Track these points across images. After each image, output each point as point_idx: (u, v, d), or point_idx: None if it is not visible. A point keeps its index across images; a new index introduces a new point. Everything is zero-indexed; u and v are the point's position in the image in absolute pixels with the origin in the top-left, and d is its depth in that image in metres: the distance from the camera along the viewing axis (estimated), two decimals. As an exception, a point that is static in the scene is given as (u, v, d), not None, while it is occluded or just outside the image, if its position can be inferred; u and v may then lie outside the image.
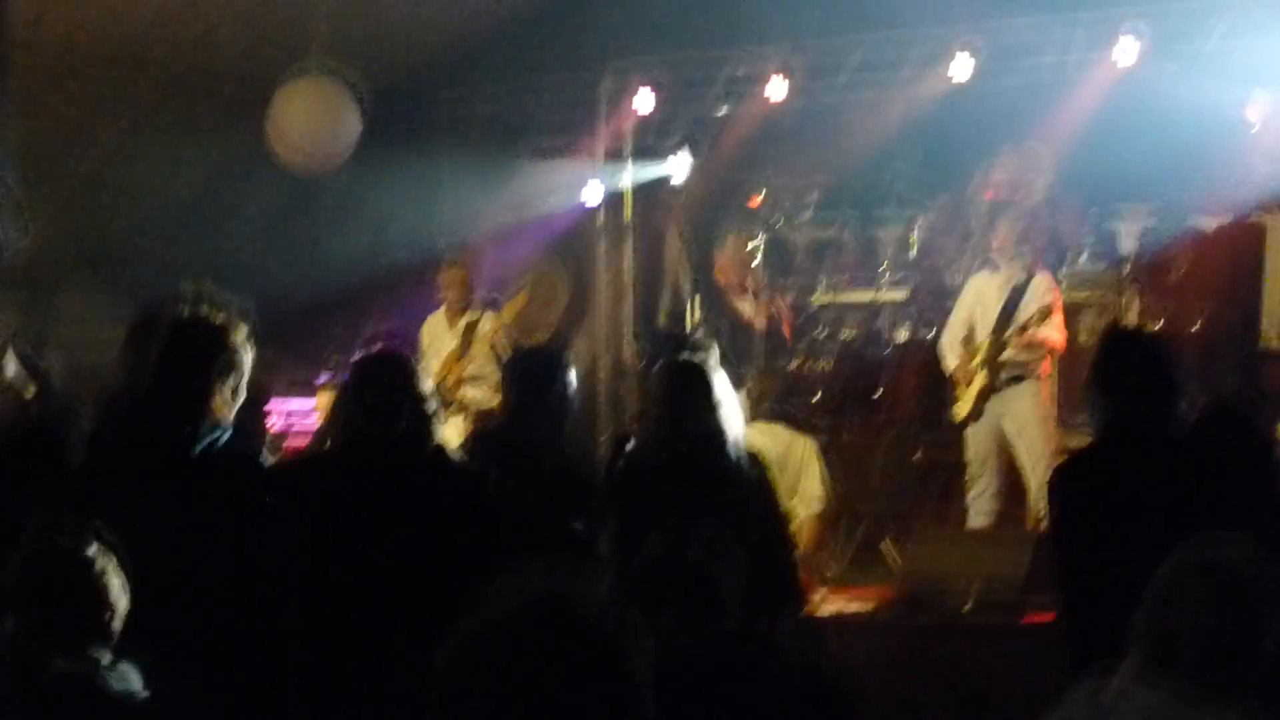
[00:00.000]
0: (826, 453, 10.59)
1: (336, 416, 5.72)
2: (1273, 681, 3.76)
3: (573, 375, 6.62)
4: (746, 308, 10.93)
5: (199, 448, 5.09)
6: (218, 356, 5.21)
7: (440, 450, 5.61)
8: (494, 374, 11.27)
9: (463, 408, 11.37)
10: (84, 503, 4.92)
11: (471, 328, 11.92)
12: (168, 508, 5.00)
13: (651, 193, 13.97)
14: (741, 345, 10.72)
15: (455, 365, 11.73)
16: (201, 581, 4.94)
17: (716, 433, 6.09)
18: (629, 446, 6.61)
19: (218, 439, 5.15)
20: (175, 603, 4.74)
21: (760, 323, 10.90)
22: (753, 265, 10.97)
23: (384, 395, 5.52)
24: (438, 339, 12.08)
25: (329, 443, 5.73)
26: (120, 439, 5.24)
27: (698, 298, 13.77)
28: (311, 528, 5.29)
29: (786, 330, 11.23)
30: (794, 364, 12.06)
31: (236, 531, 5.04)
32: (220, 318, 5.26)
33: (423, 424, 5.54)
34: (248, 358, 5.30)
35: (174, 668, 4.28)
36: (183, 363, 5.21)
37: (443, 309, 12.21)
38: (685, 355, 6.87)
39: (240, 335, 5.27)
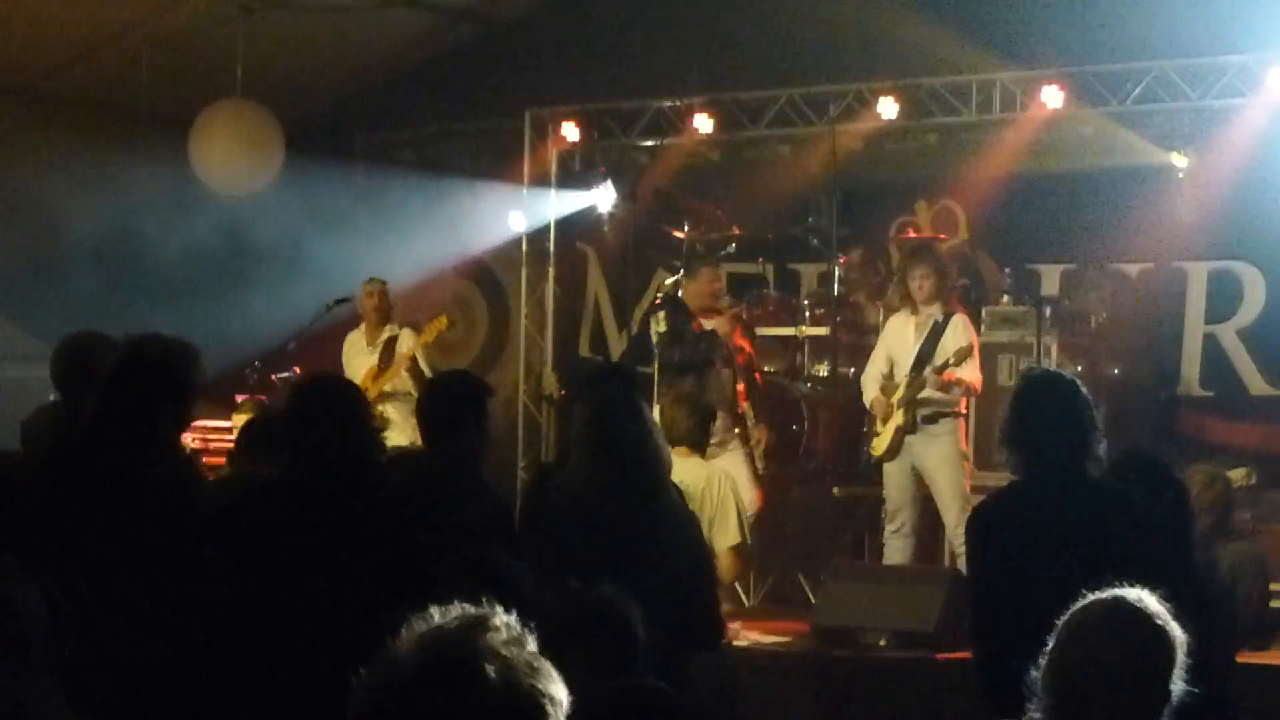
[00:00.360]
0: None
1: (276, 443, 5.67)
2: None
3: (490, 405, 6.59)
4: (722, 325, 10.91)
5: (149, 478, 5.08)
6: (171, 384, 5.22)
7: (380, 481, 5.57)
8: (411, 391, 11.40)
9: (381, 423, 11.37)
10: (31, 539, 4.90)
11: (391, 344, 12.04)
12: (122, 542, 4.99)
13: (574, 223, 14.05)
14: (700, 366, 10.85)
15: (373, 382, 11.77)
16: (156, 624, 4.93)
17: (646, 464, 6.07)
18: (550, 477, 6.54)
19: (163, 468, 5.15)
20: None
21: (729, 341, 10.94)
22: (722, 294, 11.07)
23: (336, 423, 5.43)
24: (357, 355, 12.16)
25: (281, 470, 5.63)
26: (68, 470, 5.21)
27: (624, 328, 13.84)
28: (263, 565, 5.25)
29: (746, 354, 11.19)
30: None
31: (183, 571, 5.02)
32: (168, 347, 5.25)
33: (372, 451, 5.52)
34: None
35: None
36: (134, 390, 5.20)
37: (362, 326, 12.26)
38: (615, 385, 6.82)
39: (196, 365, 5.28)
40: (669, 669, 5.78)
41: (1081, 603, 3.77)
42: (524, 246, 13.97)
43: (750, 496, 10.22)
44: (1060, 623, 3.76)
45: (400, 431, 10.71)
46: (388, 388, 11.85)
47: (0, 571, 4.13)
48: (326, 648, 4.86)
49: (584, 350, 14.42)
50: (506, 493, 6.83)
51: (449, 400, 6.49)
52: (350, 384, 6.11)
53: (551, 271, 14.01)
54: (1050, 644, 3.74)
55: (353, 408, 5.57)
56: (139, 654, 4.90)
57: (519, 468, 13.30)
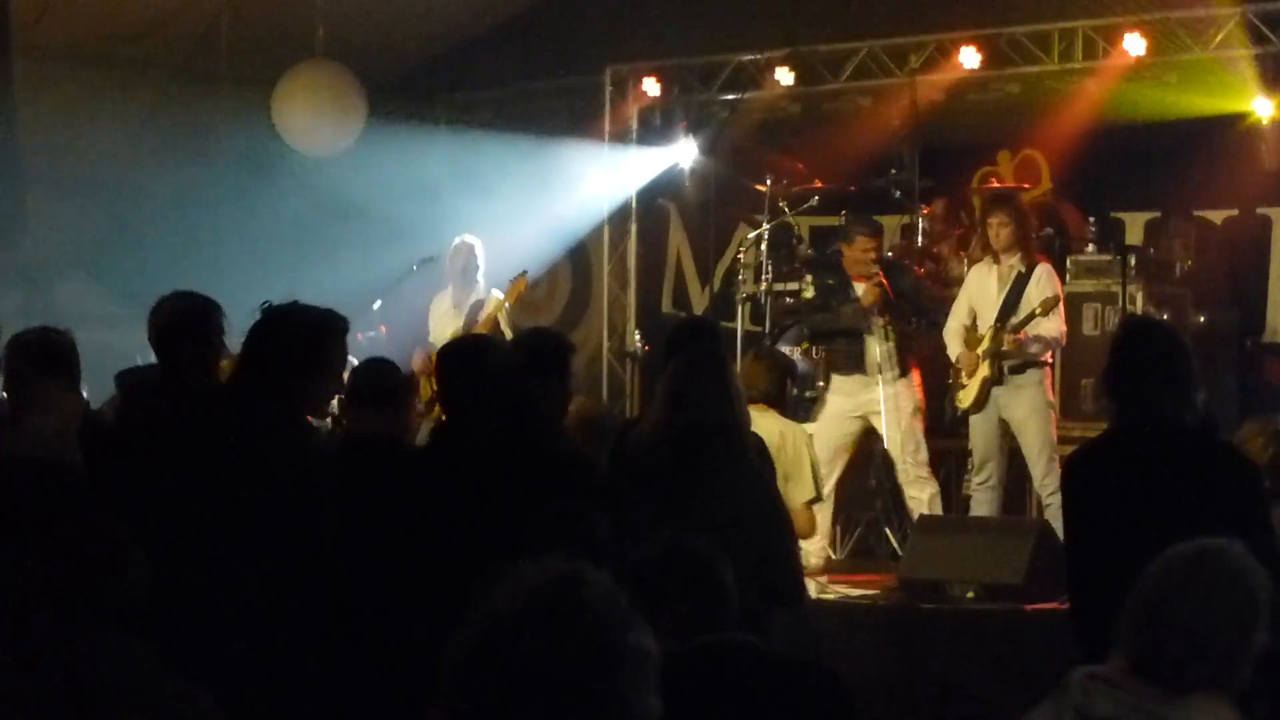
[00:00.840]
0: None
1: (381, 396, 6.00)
2: (1264, 683, 3.75)
3: (572, 362, 6.67)
4: (866, 293, 10.92)
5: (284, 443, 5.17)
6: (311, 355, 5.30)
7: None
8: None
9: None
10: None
11: (477, 307, 12.00)
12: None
13: (656, 179, 14.03)
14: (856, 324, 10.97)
15: None
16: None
17: (721, 420, 6.06)
18: (634, 431, 6.56)
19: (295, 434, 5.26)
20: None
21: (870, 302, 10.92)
22: (873, 259, 10.98)
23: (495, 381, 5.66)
24: (443, 317, 12.16)
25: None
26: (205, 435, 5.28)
27: (706, 284, 13.85)
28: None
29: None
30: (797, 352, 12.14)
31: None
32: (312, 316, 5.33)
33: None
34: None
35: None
36: (276, 358, 5.25)
37: (449, 288, 12.28)
38: (695, 341, 6.91)
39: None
40: (751, 625, 5.87)
41: (1167, 552, 3.78)
42: (606, 203, 13.95)
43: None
44: (1146, 571, 3.77)
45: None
46: None
47: (112, 536, 4.21)
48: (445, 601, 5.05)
49: (666, 307, 14.46)
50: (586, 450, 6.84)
51: (532, 357, 6.52)
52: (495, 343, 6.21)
53: (634, 228, 14.02)
54: (1135, 591, 3.75)
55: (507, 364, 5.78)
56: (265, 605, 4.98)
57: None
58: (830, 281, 11.27)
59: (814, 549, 10.08)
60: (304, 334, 5.26)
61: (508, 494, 5.46)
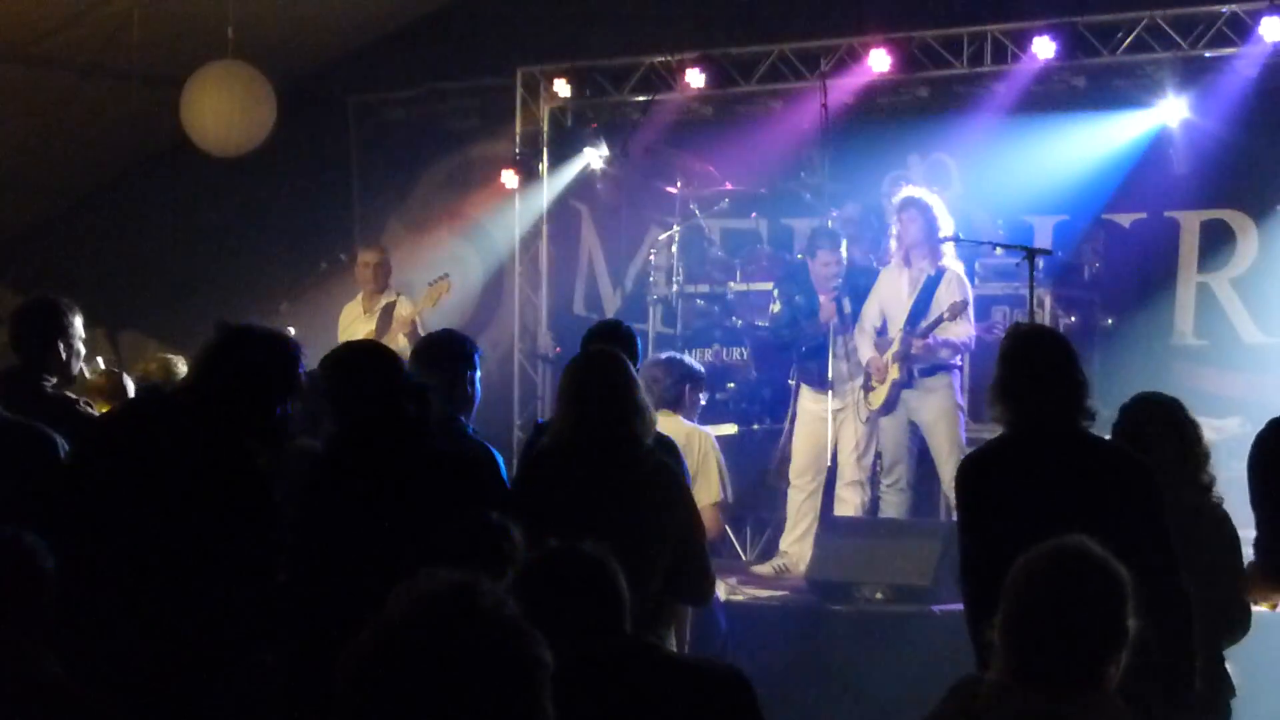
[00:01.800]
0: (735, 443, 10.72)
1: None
2: (1145, 681, 3.85)
3: (480, 363, 6.70)
4: (823, 308, 10.99)
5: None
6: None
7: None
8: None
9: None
10: None
11: (389, 310, 11.98)
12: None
13: (568, 182, 14.01)
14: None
15: None
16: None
17: (624, 419, 6.08)
18: (538, 435, 6.64)
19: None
20: None
21: (826, 318, 11.03)
22: (834, 274, 11.02)
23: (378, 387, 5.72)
24: (354, 323, 12.10)
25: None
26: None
27: (618, 286, 13.82)
28: None
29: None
30: (708, 353, 12.21)
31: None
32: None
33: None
34: None
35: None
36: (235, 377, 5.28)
37: (359, 295, 12.23)
38: (603, 341, 6.96)
39: None
40: (657, 624, 5.87)
41: (1023, 558, 3.82)
42: (517, 205, 13.91)
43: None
44: (1008, 579, 3.81)
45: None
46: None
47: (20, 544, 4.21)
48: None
49: (579, 308, 14.43)
50: (503, 452, 6.87)
51: (434, 359, 6.55)
52: (384, 347, 6.19)
53: (545, 230, 13.99)
54: (1003, 600, 3.80)
55: (390, 369, 5.77)
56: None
57: (515, 426, 13.31)
58: (797, 298, 11.29)
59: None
60: (258, 356, 5.27)
61: (405, 499, 5.49)
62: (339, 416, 5.76)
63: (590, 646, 4.06)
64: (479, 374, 6.76)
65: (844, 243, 11.18)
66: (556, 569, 4.23)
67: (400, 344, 11.74)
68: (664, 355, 8.99)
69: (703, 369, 9.21)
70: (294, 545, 5.39)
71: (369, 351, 6.09)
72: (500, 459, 6.54)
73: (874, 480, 11.17)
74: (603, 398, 6.07)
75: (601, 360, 6.29)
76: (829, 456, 11.09)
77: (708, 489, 8.20)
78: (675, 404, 8.54)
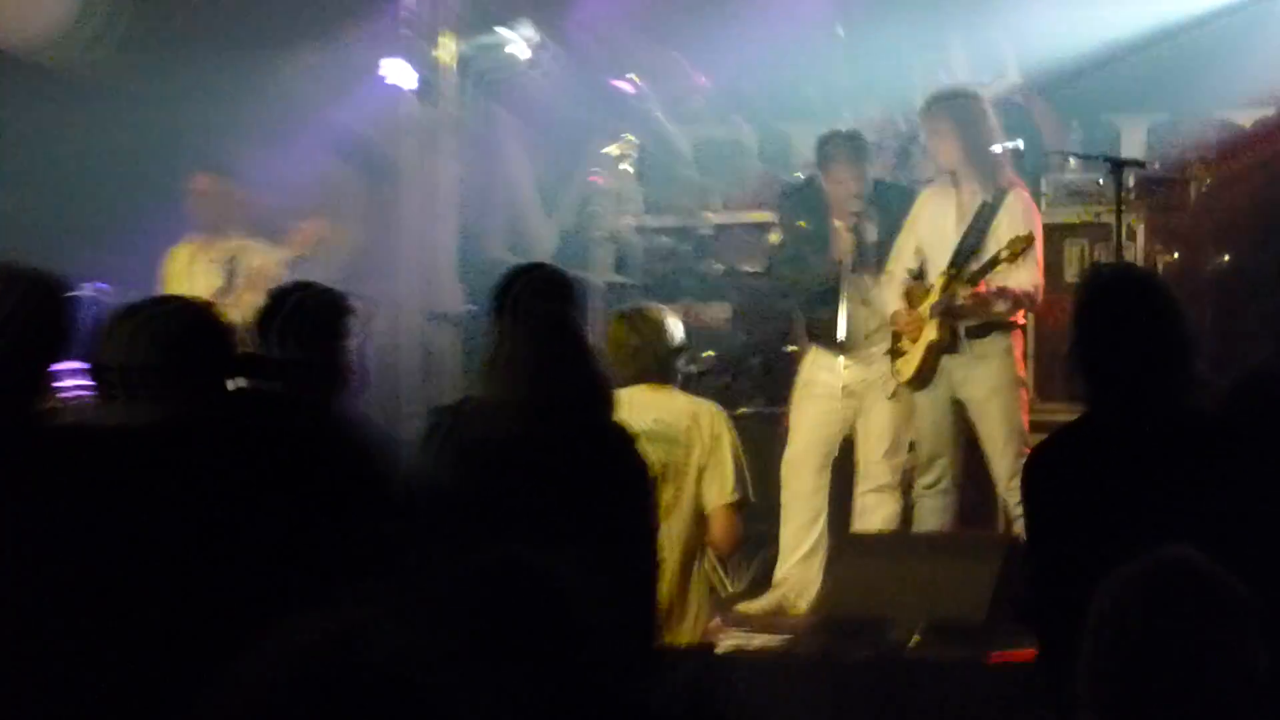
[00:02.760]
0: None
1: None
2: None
3: (354, 326, 6.69)
4: (837, 240, 11.14)
5: None
6: None
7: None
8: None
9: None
10: None
11: (236, 259, 12.11)
12: None
13: (482, 76, 14.02)
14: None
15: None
16: None
17: (572, 400, 6.25)
18: (457, 420, 6.65)
19: None
20: None
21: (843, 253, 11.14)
22: (854, 194, 11.11)
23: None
24: (188, 273, 12.18)
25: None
26: None
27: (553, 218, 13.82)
28: None
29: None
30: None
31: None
32: None
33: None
34: None
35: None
36: None
37: (189, 239, 12.32)
38: (541, 299, 7.04)
39: None
40: (624, 670, 5.92)
41: (1111, 583, 3.85)
42: (410, 107, 13.86)
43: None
44: (1094, 609, 3.84)
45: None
46: (237, 315, 11.83)
47: None
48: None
49: (499, 251, 14.38)
50: (389, 442, 6.89)
51: (297, 320, 6.58)
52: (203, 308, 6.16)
53: (452, 144, 13.96)
54: (1089, 637, 3.81)
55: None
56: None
57: (412, 410, 13.28)
58: (803, 224, 11.40)
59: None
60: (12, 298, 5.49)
61: (278, 491, 5.58)
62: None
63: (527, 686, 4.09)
64: (360, 343, 6.74)
65: (869, 151, 11.26)
66: (494, 583, 4.25)
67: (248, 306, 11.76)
68: (641, 305, 8.99)
69: (680, 328, 9.24)
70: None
71: (181, 316, 5.95)
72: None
73: (906, 481, 11.22)
74: (543, 370, 6.21)
75: (555, 326, 6.43)
76: (837, 447, 11.22)
77: (720, 485, 8.24)
78: (665, 373, 8.56)
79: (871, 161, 11.32)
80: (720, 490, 8.22)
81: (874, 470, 11.14)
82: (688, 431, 8.10)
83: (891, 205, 11.22)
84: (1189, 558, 3.80)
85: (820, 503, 11.22)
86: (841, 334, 11.02)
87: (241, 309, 11.74)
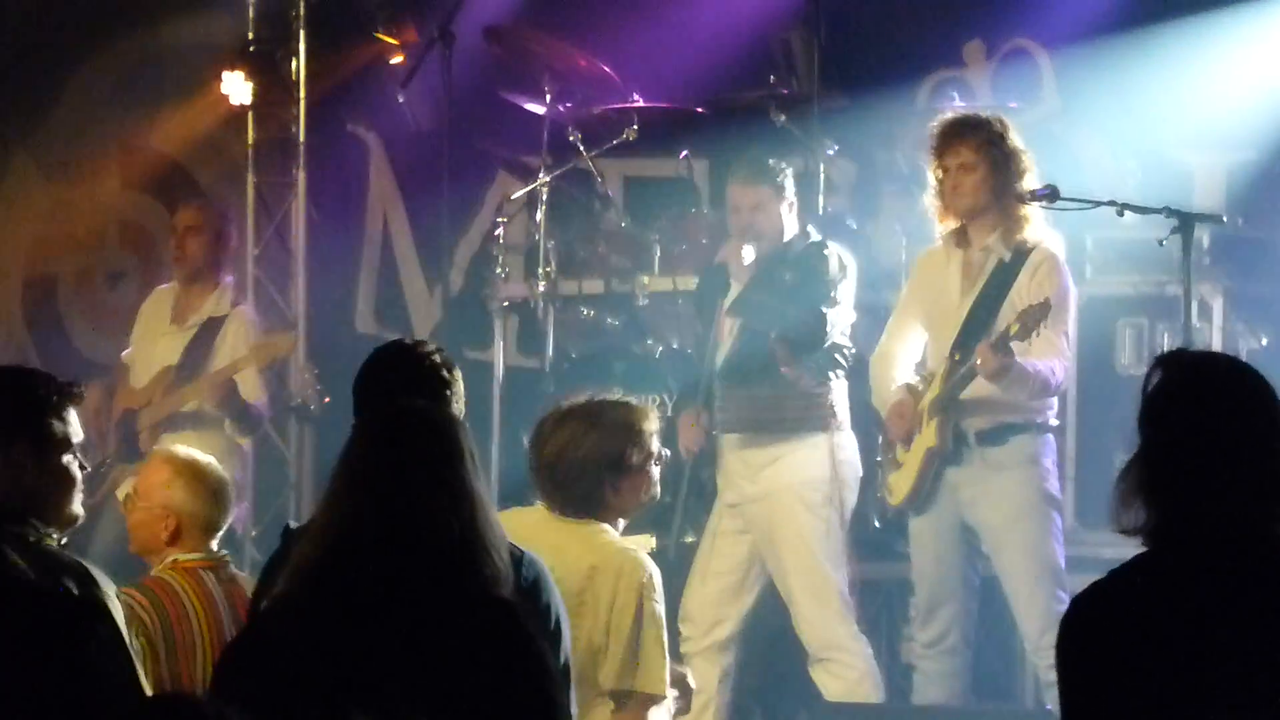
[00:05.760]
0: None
1: None
2: None
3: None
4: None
5: None
6: None
7: None
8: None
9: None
10: None
11: (213, 327, 12.62)
12: None
13: (346, 91, 14.54)
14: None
15: (166, 393, 12.53)
16: None
17: (445, 535, 6.09)
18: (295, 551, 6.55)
19: None
20: None
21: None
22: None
23: None
24: (155, 336, 12.84)
25: None
26: None
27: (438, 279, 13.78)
28: None
29: None
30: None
31: None
32: None
33: None
34: None
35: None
36: None
37: (167, 288, 12.97)
38: (400, 392, 7.03)
39: None
40: None
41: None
42: (250, 131, 14.05)
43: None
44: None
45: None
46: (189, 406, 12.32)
47: None
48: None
49: (364, 322, 14.43)
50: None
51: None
52: None
53: (301, 178, 14.05)
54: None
55: None
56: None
57: (250, 535, 13.37)
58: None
59: None
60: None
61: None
62: None
63: None
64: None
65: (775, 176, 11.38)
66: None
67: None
68: (581, 401, 8.83)
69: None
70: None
71: None
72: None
73: (890, 628, 11.54)
74: (401, 491, 6.08)
75: (418, 428, 6.29)
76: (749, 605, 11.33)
77: (643, 669, 8.17)
78: (591, 503, 8.45)
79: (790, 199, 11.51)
80: (641, 676, 8.18)
81: (814, 620, 11.20)
82: (580, 594, 7.78)
83: (877, 272, 11.30)
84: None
85: (726, 661, 11.29)
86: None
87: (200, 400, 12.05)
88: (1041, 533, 10.61)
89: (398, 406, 6.59)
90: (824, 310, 11.10)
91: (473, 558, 6.11)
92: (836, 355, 11.34)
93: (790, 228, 11.36)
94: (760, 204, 11.21)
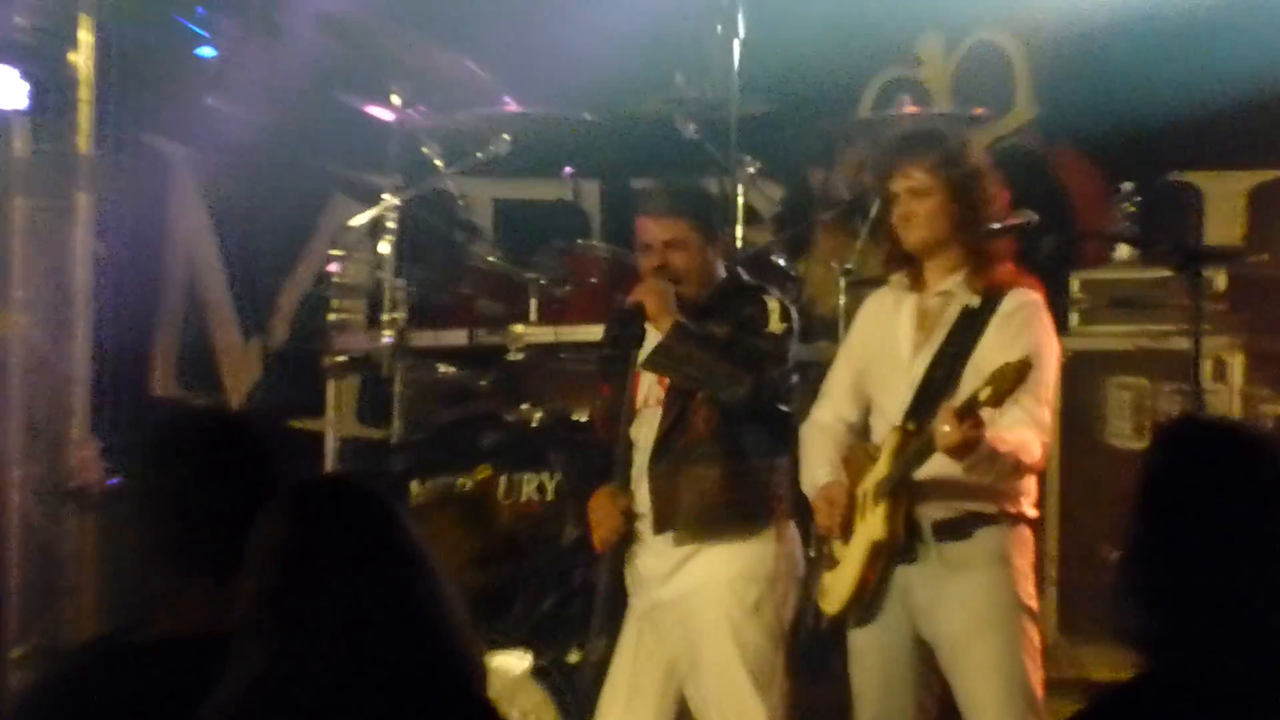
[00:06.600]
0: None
1: None
2: None
3: None
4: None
5: None
6: None
7: None
8: None
9: None
10: None
11: None
12: None
13: (136, 89, 14.41)
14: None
15: None
16: None
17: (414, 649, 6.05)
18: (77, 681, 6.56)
19: None
20: None
21: None
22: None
23: None
24: None
25: None
26: None
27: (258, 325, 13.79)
28: None
29: None
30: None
31: None
32: None
33: None
34: None
35: None
36: None
37: None
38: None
39: None
40: None
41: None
42: (15, 145, 14.03)
43: None
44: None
45: None
46: None
47: None
48: None
49: (161, 384, 14.33)
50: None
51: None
52: None
53: (84, 201, 13.97)
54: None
55: None
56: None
57: (13, 654, 13.07)
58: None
59: None
60: None
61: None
62: None
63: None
64: None
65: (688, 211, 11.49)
66: None
67: None
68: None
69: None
70: None
71: None
72: None
73: None
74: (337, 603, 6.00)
75: (327, 507, 6.24)
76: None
77: None
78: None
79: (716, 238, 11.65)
80: None
81: None
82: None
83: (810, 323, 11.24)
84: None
85: None
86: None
87: None
88: (1011, 648, 10.52)
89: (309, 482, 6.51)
90: (765, 372, 11.14)
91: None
92: (781, 426, 11.38)
93: (717, 271, 11.38)
94: (678, 241, 11.26)
